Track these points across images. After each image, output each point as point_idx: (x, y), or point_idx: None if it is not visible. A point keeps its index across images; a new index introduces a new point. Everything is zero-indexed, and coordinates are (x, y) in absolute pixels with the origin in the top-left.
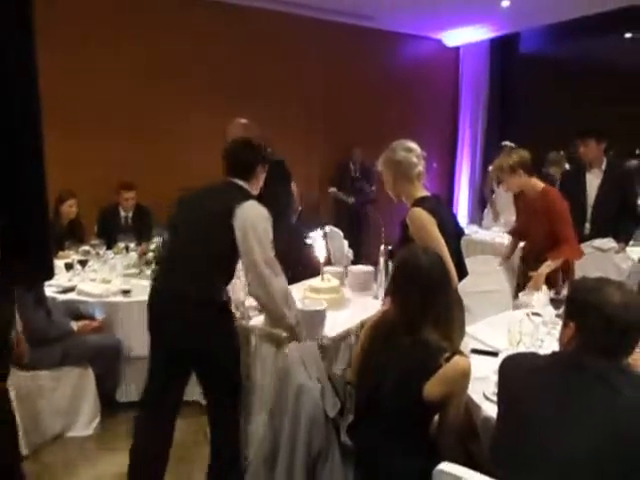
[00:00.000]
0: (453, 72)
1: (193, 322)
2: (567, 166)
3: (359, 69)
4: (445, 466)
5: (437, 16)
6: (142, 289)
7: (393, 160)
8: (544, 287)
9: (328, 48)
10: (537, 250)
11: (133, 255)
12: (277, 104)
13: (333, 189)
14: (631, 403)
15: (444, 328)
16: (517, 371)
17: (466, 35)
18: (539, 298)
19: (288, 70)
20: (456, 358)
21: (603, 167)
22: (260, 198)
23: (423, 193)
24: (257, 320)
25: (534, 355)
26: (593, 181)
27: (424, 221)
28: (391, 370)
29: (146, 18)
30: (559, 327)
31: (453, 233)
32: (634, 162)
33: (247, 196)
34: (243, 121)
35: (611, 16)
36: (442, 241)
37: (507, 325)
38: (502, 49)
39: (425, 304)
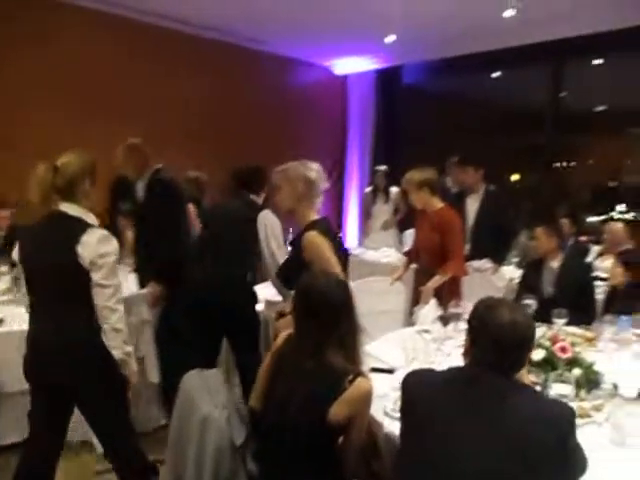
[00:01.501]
0: (342, 99)
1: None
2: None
3: (251, 91)
4: None
5: (325, 45)
6: (18, 317)
7: (305, 177)
8: (433, 302)
9: (221, 69)
10: (429, 266)
11: (6, 279)
12: (167, 124)
13: None
14: (523, 414)
15: (348, 351)
16: (419, 386)
17: (353, 65)
18: (426, 314)
19: (178, 88)
20: (359, 380)
21: (481, 193)
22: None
23: (315, 216)
24: None
25: (432, 371)
26: (472, 205)
27: (320, 245)
28: (296, 394)
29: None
30: (448, 343)
31: (341, 254)
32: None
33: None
34: (134, 141)
35: (480, 57)
36: (336, 263)
37: (401, 342)
38: (387, 80)
39: (328, 328)
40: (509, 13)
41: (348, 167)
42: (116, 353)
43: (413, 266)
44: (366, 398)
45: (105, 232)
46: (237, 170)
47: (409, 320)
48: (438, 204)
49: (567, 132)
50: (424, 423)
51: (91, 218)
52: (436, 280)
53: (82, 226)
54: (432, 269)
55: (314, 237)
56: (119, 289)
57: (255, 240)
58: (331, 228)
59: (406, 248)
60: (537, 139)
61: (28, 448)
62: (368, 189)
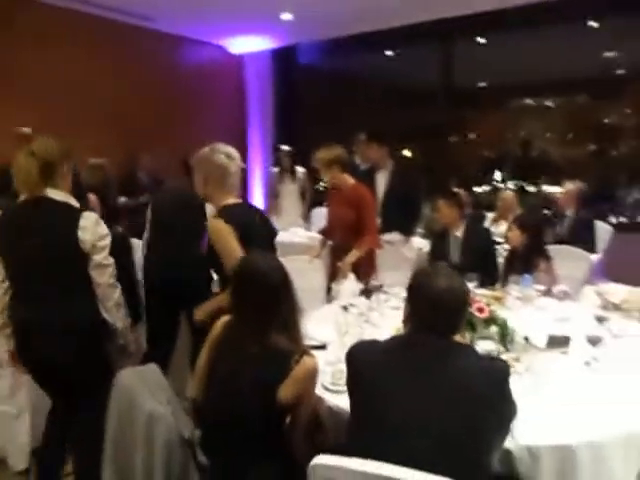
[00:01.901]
0: (239, 79)
1: None
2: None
3: (145, 72)
4: (321, 459)
5: (219, 23)
6: None
7: (211, 162)
8: (351, 277)
9: (113, 49)
10: (345, 242)
11: None
12: (62, 107)
13: (124, 199)
14: (461, 369)
15: (290, 331)
16: (364, 356)
17: (249, 44)
18: (346, 288)
19: (71, 70)
20: (305, 358)
21: (390, 168)
22: None
23: (230, 201)
24: None
25: (376, 341)
26: (381, 181)
27: (221, 232)
28: (243, 379)
29: None
30: (372, 315)
31: (265, 236)
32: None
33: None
34: (23, 131)
35: (374, 35)
36: (238, 250)
37: (329, 318)
38: (284, 59)
39: (271, 310)
40: None
41: (250, 147)
42: (120, 325)
43: (329, 243)
44: (313, 375)
45: (95, 215)
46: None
47: (328, 297)
48: (350, 181)
49: (457, 108)
50: (372, 390)
51: (75, 202)
52: (353, 255)
53: (76, 211)
54: (348, 245)
55: (216, 224)
56: (115, 267)
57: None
58: (244, 212)
59: (315, 227)
60: (431, 115)
61: None
62: (275, 169)
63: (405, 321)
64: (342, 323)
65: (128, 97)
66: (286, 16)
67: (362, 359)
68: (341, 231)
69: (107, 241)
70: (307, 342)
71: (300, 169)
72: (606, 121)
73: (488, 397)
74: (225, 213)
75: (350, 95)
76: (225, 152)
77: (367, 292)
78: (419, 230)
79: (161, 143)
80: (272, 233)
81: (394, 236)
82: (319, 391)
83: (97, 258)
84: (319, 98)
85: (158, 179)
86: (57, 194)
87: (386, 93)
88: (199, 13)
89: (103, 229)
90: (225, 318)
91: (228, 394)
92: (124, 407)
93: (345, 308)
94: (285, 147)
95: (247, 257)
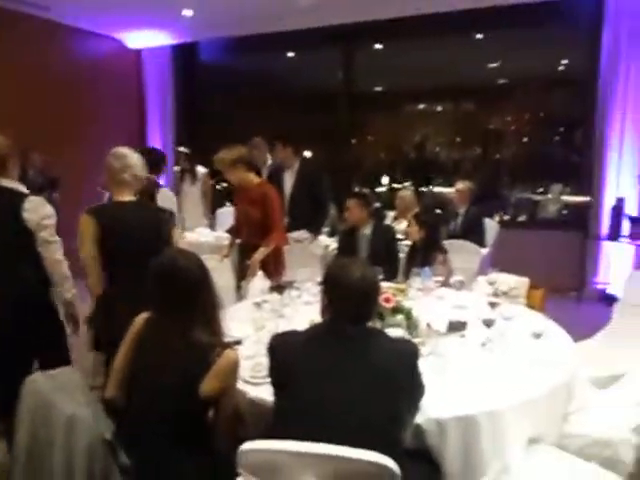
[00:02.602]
0: (137, 74)
1: None
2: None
3: (38, 64)
4: (249, 445)
5: (115, 15)
6: None
7: (106, 164)
8: (260, 274)
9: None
10: (252, 240)
11: None
12: None
13: None
14: (376, 353)
15: (212, 326)
16: (285, 346)
17: (148, 39)
18: (256, 285)
19: None
20: (226, 352)
21: (296, 167)
22: None
23: (122, 198)
24: None
25: (295, 331)
26: (288, 179)
27: (80, 227)
28: (167, 375)
29: None
30: (285, 310)
31: (137, 235)
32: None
33: None
34: None
35: (276, 36)
36: (87, 245)
37: (243, 315)
38: (184, 56)
39: (193, 305)
40: None
41: (151, 145)
42: (67, 295)
43: (238, 241)
44: (234, 368)
45: (40, 198)
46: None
47: (238, 295)
48: (255, 179)
49: (357, 111)
50: (292, 378)
51: (23, 188)
52: (261, 252)
53: (21, 196)
54: (255, 243)
55: (81, 219)
56: (61, 244)
57: None
58: (116, 210)
59: (222, 227)
60: (332, 117)
61: None
62: (177, 168)
63: (323, 311)
64: (258, 318)
65: (17, 90)
66: (187, 12)
67: (284, 349)
68: (248, 229)
69: (52, 220)
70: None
71: (201, 169)
72: (491, 127)
73: (401, 378)
74: (94, 209)
75: (252, 95)
76: (114, 154)
77: (279, 288)
78: (325, 228)
79: (54, 140)
80: (156, 233)
81: (302, 234)
82: (239, 384)
83: (42, 235)
84: (221, 97)
85: (51, 177)
86: (7, 182)
87: (288, 94)
88: (96, 4)
89: (48, 209)
90: (144, 315)
91: (152, 390)
92: (39, 412)
93: (258, 304)
94: (182, 148)
95: (165, 253)
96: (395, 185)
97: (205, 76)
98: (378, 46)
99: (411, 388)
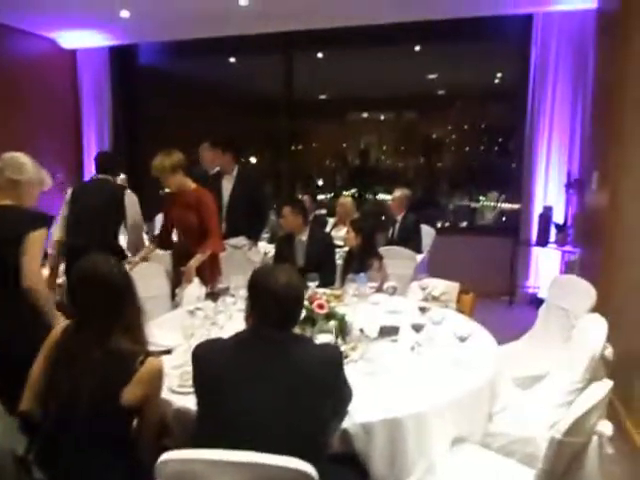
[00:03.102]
0: (71, 76)
1: None
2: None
3: None
4: (168, 455)
5: (47, 14)
6: None
7: None
8: (196, 280)
9: None
10: (187, 246)
11: None
12: None
13: None
14: (300, 359)
15: (134, 334)
16: (207, 354)
17: (84, 39)
18: (191, 292)
19: None
20: (150, 359)
21: (234, 174)
22: None
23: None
24: None
25: (220, 339)
26: (227, 186)
27: None
28: (86, 385)
29: None
30: (219, 317)
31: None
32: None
33: None
34: None
35: (218, 41)
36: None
37: (175, 323)
38: (122, 58)
39: (113, 313)
40: (244, 2)
41: (86, 149)
42: None
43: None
44: (158, 376)
45: None
46: None
47: (173, 303)
48: (192, 185)
49: (299, 118)
50: (216, 386)
51: None
52: (197, 259)
53: None
54: (190, 249)
55: None
56: None
57: None
58: None
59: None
60: (274, 124)
61: None
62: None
63: (247, 317)
64: (188, 326)
65: None
66: (124, 13)
67: (206, 357)
68: (184, 235)
69: None
70: (151, 348)
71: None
72: (431, 136)
73: (326, 383)
74: None
75: (192, 99)
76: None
77: (213, 295)
78: (265, 235)
79: None
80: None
81: (240, 240)
82: (166, 394)
83: None
84: (160, 101)
85: None
86: None
87: (229, 100)
88: (22, 1)
89: None
90: (62, 324)
91: (70, 400)
92: None
93: (191, 312)
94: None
95: (87, 259)
96: (338, 192)
97: (144, 79)
98: (320, 54)
99: (336, 393)
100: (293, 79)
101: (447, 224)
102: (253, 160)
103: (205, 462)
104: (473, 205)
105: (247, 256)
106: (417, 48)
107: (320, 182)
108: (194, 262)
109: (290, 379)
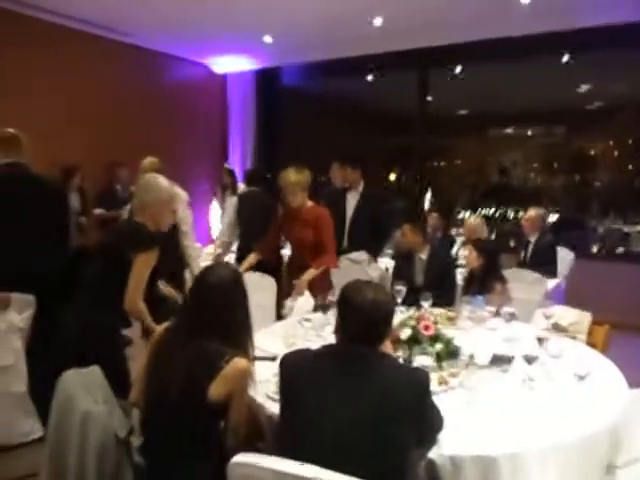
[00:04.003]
0: (221, 99)
1: None
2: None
3: (119, 86)
4: (239, 457)
5: (201, 42)
6: None
7: None
8: (307, 293)
9: (94, 62)
10: (302, 261)
11: None
12: (34, 118)
13: (100, 210)
14: (384, 377)
15: (229, 337)
16: (294, 363)
17: (232, 64)
18: (302, 305)
19: (42, 79)
20: (236, 359)
21: (360, 189)
22: None
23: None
24: None
25: (308, 349)
26: (351, 201)
27: None
28: (175, 379)
29: None
30: (328, 329)
31: None
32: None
33: None
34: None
35: (355, 60)
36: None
37: (285, 331)
38: (266, 81)
39: (208, 312)
40: (378, 21)
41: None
42: None
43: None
44: (242, 375)
45: None
46: None
47: (279, 314)
48: (309, 202)
49: (434, 134)
50: (299, 395)
51: None
52: (311, 273)
53: None
54: (305, 263)
55: None
56: None
57: None
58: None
59: None
60: (409, 140)
61: None
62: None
63: (336, 331)
64: (290, 335)
65: (109, 111)
66: (267, 39)
67: (292, 366)
68: (299, 250)
69: None
70: (258, 354)
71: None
72: (581, 153)
73: (408, 405)
74: None
75: (329, 117)
76: None
77: (324, 307)
78: (388, 251)
79: (139, 158)
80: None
81: (360, 255)
82: (262, 399)
83: None
84: (300, 120)
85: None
86: None
87: (366, 118)
88: (179, 30)
89: None
90: (167, 324)
91: (162, 397)
92: (63, 406)
93: (300, 322)
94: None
95: (210, 266)
96: (477, 211)
97: (286, 99)
98: (458, 69)
99: (420, 417)
100: (428, 95)
101: (595, 249)
102: (392, 177)
103: (270, 471)
104: (627, 229)
105: (365, 271)
106: (565, 58)
107: (456, 200)
108: (307, 276)
109: (368, 396)
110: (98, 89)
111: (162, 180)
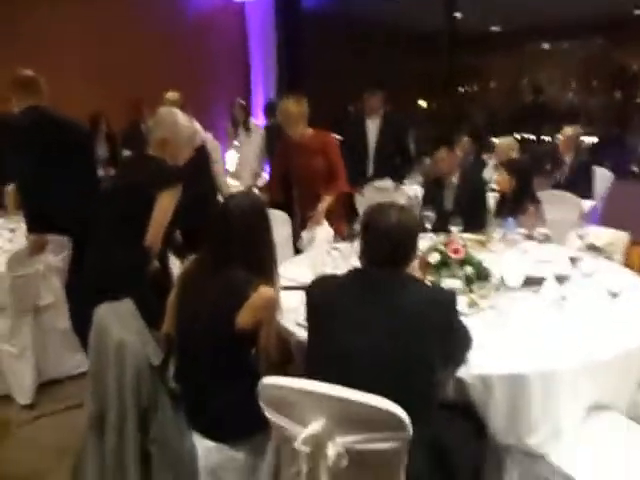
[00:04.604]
0: (240, 27)
1: None
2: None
3: (140, 19)
4: (268, 379)
5: None
6: None
7: None
8: (325, 223)
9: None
10: (313, 191)
11: None
12: (46, 49)
13: (128, 152)
14: (412, 299)
15: (254, 265)
16: (320, 288)
17: None
18: (322, 235)
19: (56, 12)
20: (262, 288)
21: (380, 115)
22: None
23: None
24: None
25: (334, 275)
26: (372, 127)
27: None
28: (204, 309)
29: None
30: (352, 258)
31: None
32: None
33: None
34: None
35: None
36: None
37: (315, 262)
38: (286, 5)
39: (236, 245)
40: None
41: (254, 100)
42: None
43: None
44: (269, 304)
45: None
46: None
47: (295, 248)
48: (310, 130)
49: (464, 54)
50: (327, 319)
51: None
52: (327, 200)
53: None
54: (317, 193)
55: None
56: None
57: None
58: None
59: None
60: (437, 62)
61: None
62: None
63: (360, 256)
64: (318, 264)
65: (127, 51)
66: None
67: (319, 292)
68: (311, 182)
69: None
70: (289, 284)
71: (254, 121)
72: (623, 67)
73: (436, 324)
74: None
75: (357, 42)
76: None
77: (352, 235)
78: (418, 178)
79: (162, 97)
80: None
81: (385, 182)
82: (291, 326)
83: None
84: (322, 45)
85: None
86: None
87: (391, 39)
88: None
89: None
90: (195, 255)
91: (192, 323)
92: (99, 337)
93: (328, 252)
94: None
95: (232, 195)
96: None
97: (309, 24)
98: None
99: (447, 335)
100: (455, 10)
101: (636, 169)
102: (422, 102)
103: (299, 391)
104: None
105: (392, 198)
106: None
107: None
108: (324, 204)
109: (395, 317)
110: (114, 28)
111: (181, 115)
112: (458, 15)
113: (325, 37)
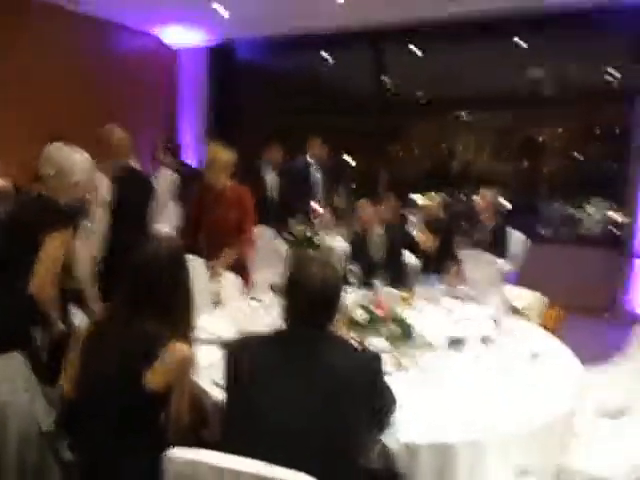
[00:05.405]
0: (172, 73)
1: None
2: None
3: (66, 56)
4: (174, 452)
5: (151, 10)
6: None
7: None
8: (232, 275)
9: (35, 31)
10: (223, 240)
11: None
12: None
13: None
14: (334, 362)
15: (169, 318)
16: (239, 350)
17: (185, 37)
18: (229, 288)
19: None
20: (176, 345)
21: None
22: None
23: None
24: None
25: (257, 335)
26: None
27: None
28: (110, 366)
29: None
30: (277, 308)
31: None
32: None
33: None
34: None
35: (311, 37)
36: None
37: (231, 313)
38: (220, 56)
39: (143, 292)
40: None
41: (183, 145)
42: None
43: None
44: (182, 364)
45: None
46: None
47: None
48: (229, 182)
49: (392, 116)
50: (245, 383)
51: None
52: (230, 254)
53: None
54: (224, 244)
55: None
56: None
57: None
58: None
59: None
60: (365, 122)
61: None
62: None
63: (284, 314)
64: (239, 317)
65: (52, 83)
66: (220, 8)
67: (236, 353)
68: (221, 231)
69: None
70: (205, 337)
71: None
72: (531, 138)
73: (360, 387)
74: None
75: (285, 95)
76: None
77: (276, 287)
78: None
79: (83, 133)
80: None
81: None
82: (207, 386)
83: None
84: (255, 97)
85: None
86: None
87: (322, 96)
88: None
89: None
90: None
91: (95, 382)
92: None
93: (247, 303)
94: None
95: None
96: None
97: (241, 75)
98: (417, 52)
99: (370, 400)
100: (384, 75)
101: (543, 232)
102: (348, 158)
103: (208, 466)
104: (575, 213)
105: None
106: (518, 41)
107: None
108: (226, 258)
109: (323, 384)
110: (47, 59)
111: (75, 150)
112: (386, 79)
113: (258, 89)
